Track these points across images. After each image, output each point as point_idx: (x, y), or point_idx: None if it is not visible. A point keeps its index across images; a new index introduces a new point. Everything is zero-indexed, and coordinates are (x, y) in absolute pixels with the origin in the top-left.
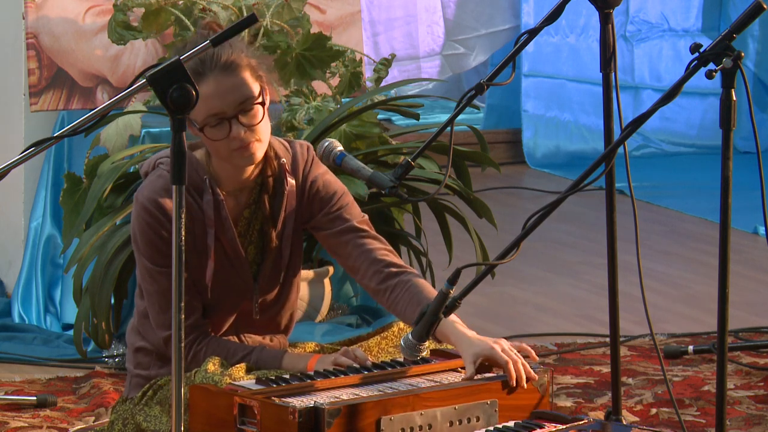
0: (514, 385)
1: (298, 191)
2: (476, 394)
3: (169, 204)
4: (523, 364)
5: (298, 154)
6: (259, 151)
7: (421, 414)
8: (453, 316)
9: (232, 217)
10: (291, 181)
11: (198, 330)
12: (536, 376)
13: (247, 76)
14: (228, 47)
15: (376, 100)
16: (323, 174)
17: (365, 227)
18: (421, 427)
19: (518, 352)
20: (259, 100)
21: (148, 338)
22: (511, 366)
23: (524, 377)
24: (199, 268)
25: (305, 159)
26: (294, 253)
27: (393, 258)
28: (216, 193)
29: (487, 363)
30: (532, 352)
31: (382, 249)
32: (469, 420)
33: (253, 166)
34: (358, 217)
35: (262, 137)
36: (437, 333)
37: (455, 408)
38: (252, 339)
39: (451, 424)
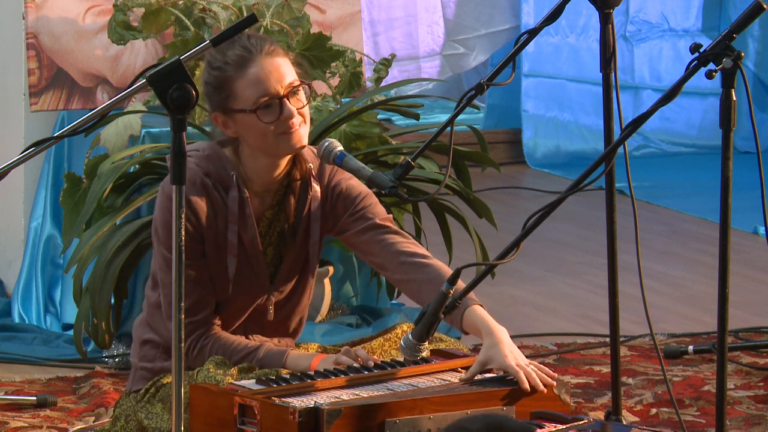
0: (528, 389)
1: (322, 196)
2: (490, 401)
3: (194, 197)
4: (537, 374)
5: None
6: (305, 136)
7: (430, 418)
8: (480, 309)
9: (255, 217)
10: (316, 186)
11: (207, 325)
12: (553, 383)
13: (290, 61)
14: (267, 40)
15: (376, 100)
16: (347, 179)
17: (387, 224)
18: (429, 431)
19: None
20: (303, 83)
21: (157, 331)
22: (521, 374)
23: (539, 382)
24: (218, 264)
25: (332, 165)
26: (317, 258)
27: (416, 248)
28: (242, 190)
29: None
30: (548, 379)
31: (404, 242)
32: None
33: (286, 160)
34: (381, 215)
35: (307, 121)
36: (464, 324)
37: (468, 413)
38: (259, 340)
39: None
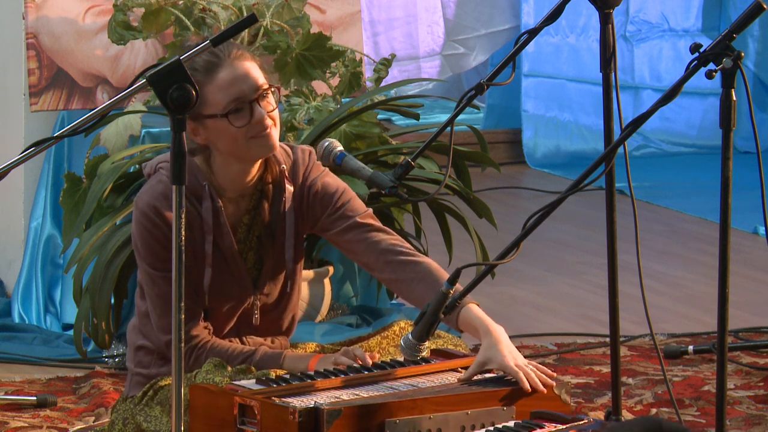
0: (528, 389)
1: (296, 196)
2: (490, 401)
3: (167, 212)
4: (536, 374)
5: (299, 160)
6: (276, 140)
7: (430, 418)
8: (476, 307)
9: (231, 224)
10: (289, 187)
11: (198, 335)
12: (552, 383)
13: (258, 65)
14: (234, 45)
15: (376, 100)
16: (322, 176)
17: (369, 221)
18: (429, 431)
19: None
20: (272, 87)
21: (149, 338)
22: (521, 374)
23: (538, 382)
24: (198, 274)
25: (305, 164)
26: (295, 258)
27: (400, 246)
28: (215, 199)
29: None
30: (548, 379)
31: (388, 239)
32: (483, 425)
33: (258, 164)
34: (360, 212)
35: (277, 124)
36: (460, 323)
37: (468, 413)
38: (253, 340)
39: (463, 429)
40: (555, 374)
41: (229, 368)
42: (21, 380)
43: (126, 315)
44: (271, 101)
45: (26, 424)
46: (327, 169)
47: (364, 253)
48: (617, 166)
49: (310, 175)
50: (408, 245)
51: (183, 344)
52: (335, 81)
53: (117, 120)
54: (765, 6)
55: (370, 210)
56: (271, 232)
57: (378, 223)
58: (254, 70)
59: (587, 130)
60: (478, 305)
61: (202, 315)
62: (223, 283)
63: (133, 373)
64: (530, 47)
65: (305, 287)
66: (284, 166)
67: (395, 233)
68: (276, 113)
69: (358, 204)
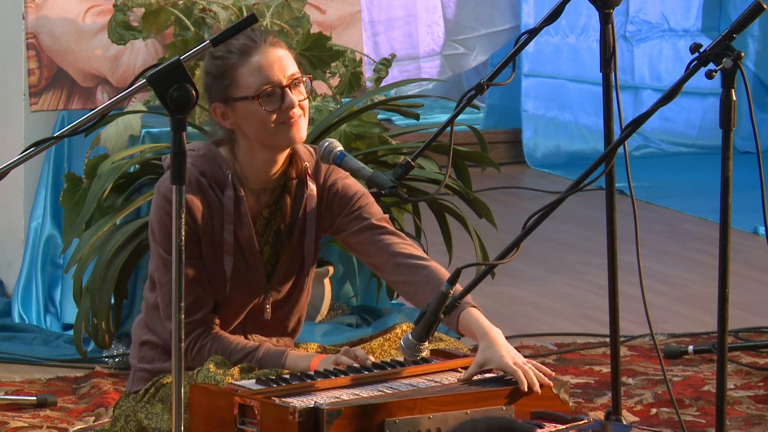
0: (526, 389)
1: (318, 196)
2: (489, 400)
3: (190, 196)
4: (534, 373)
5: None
6: (304, 130)
7: (429, 417)
8: (475, 311)
9: (251, 216)
10: (312, 185)
11: (205, 325)
12: (550, 383)
13: (293, 56)
14: (271, 33)
15: (376, 100)
16: (343, 178)
17: (384, 224)
18: (429, 431)
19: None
20: (305, 77)
21: (155, 332)
22: (520, 374)
23: (536, 382)
24: (214, 263)
25: (328, 164)
26: (312, 257)
27: (412, 250)
28: (237, 189)
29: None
30: (546, 379)
31: (400, 243)
32: None
33: (284, 158)
34: (377, 215)
35: (306, 115)
36: (460, 327)
37: (467, 413)
38: (258, 339)
39: None
40: (554, 373)
41: (232, 369)
42: (21, 380)
43: (126, 315)
44: (302, 91)
45: (26, 424)
46: (348, 172)
47: (376, 255)
48: (617, 166)
49: (331, 176)
50: (420, 251)
51: (185, 338)
52: (335, 81)
53: (117, 120)
54: (765, 6)
55: (387, 215)
56: (290, 229)
57: (392, 227)
58: (287, 58)
59: (587, 130)
60: (478, 308)
61: (212, 307)
62: (239, 273)
63: (136, 369)
64: (530, 47)
65: None
66: (307, 164)
67: (408, 238)
68: (306, 103)
69: (376, 208)
